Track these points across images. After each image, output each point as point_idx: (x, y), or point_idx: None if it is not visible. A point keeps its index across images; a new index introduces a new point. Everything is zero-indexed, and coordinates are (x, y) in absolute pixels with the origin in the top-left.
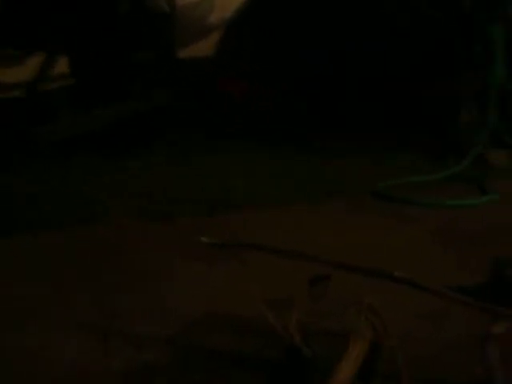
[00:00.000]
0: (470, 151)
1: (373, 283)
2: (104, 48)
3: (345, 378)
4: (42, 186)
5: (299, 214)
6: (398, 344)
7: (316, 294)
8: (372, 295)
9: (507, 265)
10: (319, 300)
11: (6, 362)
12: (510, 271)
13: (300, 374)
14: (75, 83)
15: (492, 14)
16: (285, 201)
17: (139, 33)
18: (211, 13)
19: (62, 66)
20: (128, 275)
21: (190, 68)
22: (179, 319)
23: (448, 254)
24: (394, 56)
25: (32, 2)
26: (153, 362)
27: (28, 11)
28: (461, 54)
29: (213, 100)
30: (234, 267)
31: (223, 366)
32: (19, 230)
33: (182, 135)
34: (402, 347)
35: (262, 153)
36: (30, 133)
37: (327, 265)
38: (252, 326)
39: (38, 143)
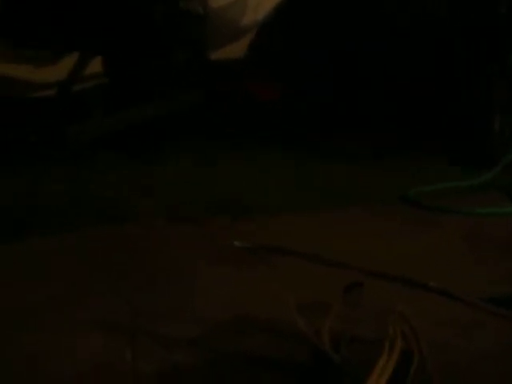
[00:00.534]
0: (502, 158)
1: (405, 291)
2: (137, 49)
3: None
4: (69, 185)
5: (326, 220)
6: (429, 353)
7: (350, 301)
8: (404, 304)
9: None
10: (353, 307)
11: (36, 362)
12: None
13: (329, 381)
14: (109, 83)
15: None
16: (310, 206)
17: (173, 34)
18: (244, 15)
19: (95, 65)
20: (156, 276)
21: (222, 70)
22: (208, 321)
23: (478, 263)
24: (420, 65)
25: (67, 2)
26: (182, 364)
27: (63, 11)
28: (494, 60)
29: (242, 103)
30: (264, 271)
31: (252, 369)
32: (48, 229)
33: (210, 137)
34: (433, 356)
35: (288, 158)
36: (61, 132)
37: (359, 272)
38: (282, 331)
39: (69, 143)
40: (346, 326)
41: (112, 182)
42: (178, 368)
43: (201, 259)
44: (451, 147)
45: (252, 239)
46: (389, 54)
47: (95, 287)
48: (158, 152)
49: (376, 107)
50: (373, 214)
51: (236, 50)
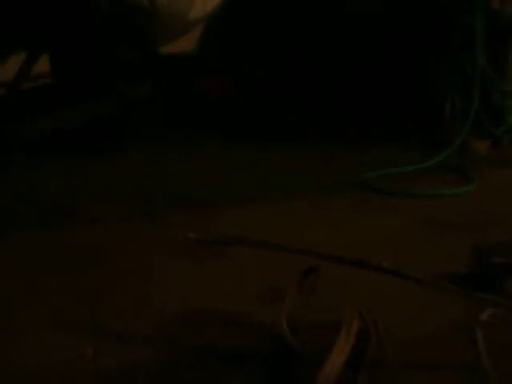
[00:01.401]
0: (454, 140)
1: (361, 273)
2: (84, 45)
3: (334, 369)
4: (17, 186)
5: (280, 208)
6: (385, 333)
7: (306, 286)
8: (360, 286)
9: (489, 251)
10: (309, 292)
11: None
12: (492, 258)
13: (289, 367)
14: (56, 81)
15: (476, 5)
16: (270, 196)
17: (119, 30)
18: (192, 8)
19: (42, 64)
20: (113, 274)
21: (171, 64)
22: (166, 315)
23: (434, 243)
24: (377, 50)
25: (12, 2)
26: (142, 359)
27: (8, 10)
28: (443, 46)
29: (193, 97)
30: (222, 263)
31: (212, 361)
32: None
33: (161, 133)
34: (389, 336)
35: (238, 150)
36: (6, 131)
37: (316, 257)
38: (242, 321)
39: (14, 142)
40: (304, 311)
41: (62, 180)
42: (138, 363)
43: (157, 254)
44: (404, 131)
45: (206, 231)
46: (338, 42)
47: (53, 286)
48: (107, 149)
49: (328, 96)
50: (327, 200)
51: (185, 43)
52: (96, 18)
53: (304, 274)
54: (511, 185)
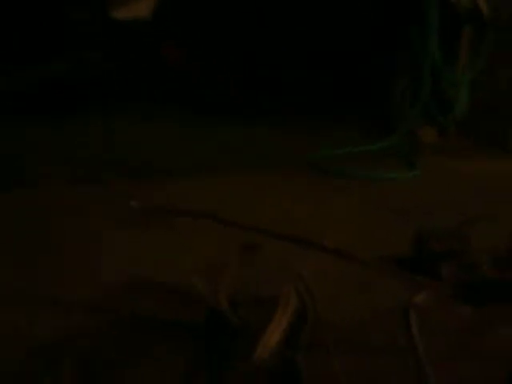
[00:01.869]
0: (401, 126)
1: (302, 252)
2: (35, 5)
3: (271, 344)
4: None
5: (233, 183)
6: (323, 311)
7: (246, 261)
8: (300, 263)
9: (429, 237)
10: (249, 267)
11: None
12: (431, 243)
13: (226, 340)
14: (3, 41)
15: None
16: (219, 170)
17: None
18: None
19: None
20: (52, 239)
21: (125, 30)
22: (104, 284)
23: (375, 226)
24: (328, 31)
25: None
26: (79, 328)
27: None
28: (395, 32)
29: (147, 64)
30: (164, 233)
31: (150, 331)
32: None
33: (115, 100)
34: (327, 315)
35: (195, 120)
36: None
37: (258, 233)
38: (180, 293)
39: None
40: (243, 286)
41: (13, 141)
42: (75, 332)
43: (98, 222)
44: (354, 113)
45: (150, 200)
46: (295, 20)
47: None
48: (62, 113)
49: (284, 74)
50: (276, 178)
51: (140, 9)
52: None
53: (245, 249)
54: (455, 173)
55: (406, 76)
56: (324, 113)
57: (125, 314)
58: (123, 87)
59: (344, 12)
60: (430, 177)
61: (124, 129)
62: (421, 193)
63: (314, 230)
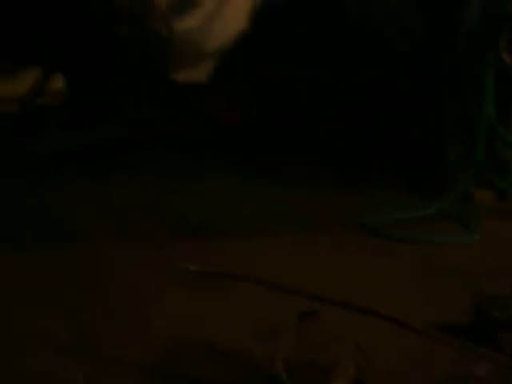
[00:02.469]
0: (456, 188)
1: (359, 319)
2: (101, 67)
3: None
4: (20, 202)
5: (285, 246)
6: (381, 381)
7: (304, 328)
8: (358, 331)
9: (488, 304)
10: (307, 334)
11: None
12: (491, 311)
13: None
14: (70, 100)
15: (485, 56)
16: (269, 232)
17: (136, 54)
18: (208, 40)
19: (58, 82)
20: (109, 298)
21: (184, 92)
22: (161, 346)
23: (432, 292)
24: (377, 85)
25: (30, 15)
26: None
27: (25, 24)
28: (450, 91)
29: (204, 124)
30: (220, 296)
31: None
32: None
33: (168, 158)
34: None
35: (246, 182)
36: (18, 146)
37: (314, 299)
38: (237, 357)
39: (25, 157)
40: (300, 352)
41: (64, 199)
42: None
43: (156, 282)
44: (407, 174)
45: (208, 263)
46: (340, 81)
47: (46, 309)
48: (114, 170)
49: (333, 135)
50: (329, 241)
51: (198, 73)
52: (113, 41)
53: (303, 315)
54: None
55: (459, 135)
56: (370, 173)
57: (181, 376)
58: (176, 145)
59: (394, 69)
60: (487, 241)
61: (176, 187)
62: (478, 257)
63: (368, 295)
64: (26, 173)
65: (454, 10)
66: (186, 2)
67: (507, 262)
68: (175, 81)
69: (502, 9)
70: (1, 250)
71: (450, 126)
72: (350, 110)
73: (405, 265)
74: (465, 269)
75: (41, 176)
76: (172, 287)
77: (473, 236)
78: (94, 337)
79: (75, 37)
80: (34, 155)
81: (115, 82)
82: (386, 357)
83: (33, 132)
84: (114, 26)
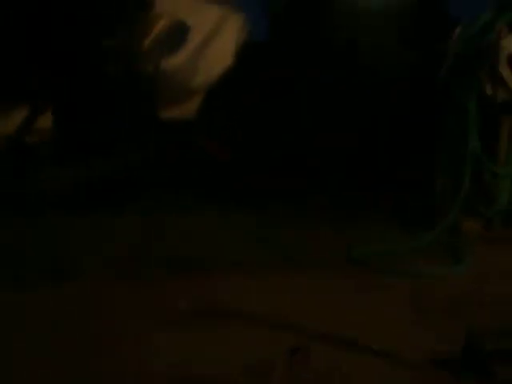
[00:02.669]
0: (444, 219)
1: (349, 354)
2: (88, 105)
3: None
4: (15, 242)
5: (274, 280)
6: None
7: (295, 363)
8: (348, 367)
9: (481, 335)
10: (298, 369)
11: None
12: (484, 342)
13: None
14: (58, 138)
15: (469, 91)
16: (258, 267)
17: (124, 92)
18: (194, 77)
19: (45, 120)
20: (102, 338)
21: (172, 129)
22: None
23: (421, 325)
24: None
25: (19, 55)
26: None
27: (15, 63)
28: (435, 124)
29: (193, 161)
30: (210, 333)
31: None
32: None
33: (160, 196)
34: None
35: (237, 219)
36: (10, 186)
37: (305, 334)
38: None
39: (17, 197)
40: None
41: (58, 238)
42: None
43: (147, 322)
44: (395, 208)
45: (198, 300)
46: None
47: (37, 351)
48: (107, 209)
49: (323, 170)
50: (318, 275)
51: (186, 110)
52: (101, 80)
53: (294, 351)
54: (503, 266)
55: (446, 168)
56: (358, 205)
57: None
58: (170, 181)
59: (382, 109)
60: (476, 270)
61: (165, 224)
62: (467, 287)
63: (359, 330)
64: (19, 211)
65: (436, 43)
66: (172, 41)
67: (497, 291)
68: (163, 118)
69: (482, 42)
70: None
71: (437, 159)
72: (339, 148)
73: (394, 299)
74: (454, 299)
75: (33, 214)
76: (163, 326)
77: (461, 267)
78: (85, 377)
79: (64, 76)
80: (26, 193)
81: (104, 120)
82: None
83: (23, 170)
84: (102, 65)
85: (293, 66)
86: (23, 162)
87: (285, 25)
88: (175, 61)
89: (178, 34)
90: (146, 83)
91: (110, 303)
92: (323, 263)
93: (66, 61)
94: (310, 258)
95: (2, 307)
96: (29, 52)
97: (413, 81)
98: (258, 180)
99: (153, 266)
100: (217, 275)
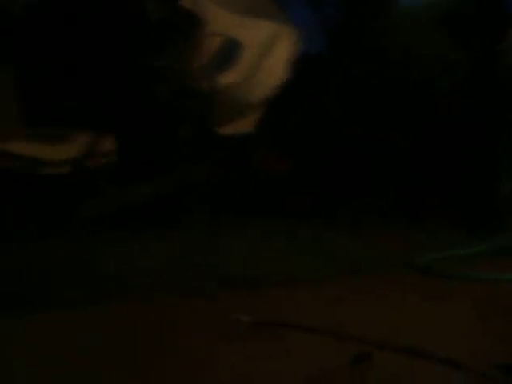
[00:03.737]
0: (509, 222)
1: (413, 362)
2: (149, 127)
3: None
4: (76, 260)
5: (331, 289)
6: None
7: (358, 372)
8: (412, 374)
9: None
10: (361, 378)
11: None
12: None
13: None
14: (120, 160)
15: None
16: (315, 276)
17: (181, 112)
18: (251, 93)
19: (108, 143)
20: (165, 354)
21: (230, 145)
22: None
23: (487, 332)
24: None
25: (80, 80)
26: None
27: (76, 89)
28: (499, 126)
29: (252, 176)
30: (272, 345)
31: None
32: (52, 305)
33: (219, 211)
34: None
35: (290, 228)
36: (74, 208)
37: (367, 343)
38: None
39: (82, 219)
40: None
41: (118, 255)
42: None
43: (209, 336)
44: (458, 212)
45: (258, 313)
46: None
47: (103, 365)
48: (164, 226)
49: (380, 176)
50: (379, 282)
51: (244, 125)
52: (159, 100)
53: (356, 360)
54: None
55: (510, 171)
56: (423, 214)
57: None
58: (226, 198)
59: (445, 112)
60: None
61: (229, 240)
62: None
63: (423, 338)
64: (77, 232)
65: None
66: (225, 58)
67: None
68: (222, 135)
69: None
70: (56, 307)
71: (502, 161)
72: (400, 154)
73: (459, 305)
74: None
75: (92, 234)
76: (225, 340)
77: None
78: None
79: (122, 97)
80: (87, 216)
81: (163, 141)
82: None
83: (85, 194)
84: (154, 85)
85: (351, 77)
86: (86, 186)
87: (341, 38)
88: (230, 77)
89: (231, 50)
90: (202, 101)
91: (165, 319)
92: (385, 271)
93: (122, 83)
94: (371, 267)
95: (65, 326)
96: (90, 77)
97: (473, 82)
98: (317, 191)
99: (209, 281)
100: (277, 288)
